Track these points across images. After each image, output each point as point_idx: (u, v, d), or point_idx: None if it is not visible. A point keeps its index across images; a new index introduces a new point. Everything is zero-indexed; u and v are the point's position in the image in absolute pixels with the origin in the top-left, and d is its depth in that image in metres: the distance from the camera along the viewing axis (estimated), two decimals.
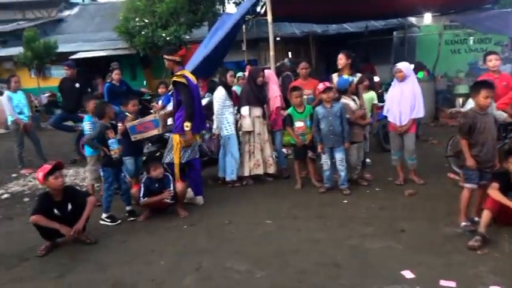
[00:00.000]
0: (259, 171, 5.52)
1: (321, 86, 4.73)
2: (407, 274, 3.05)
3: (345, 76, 5.02)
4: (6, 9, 17.91)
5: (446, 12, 9.63)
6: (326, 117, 4.70)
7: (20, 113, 6.91)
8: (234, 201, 5.01)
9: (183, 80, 4.56)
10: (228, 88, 5.45)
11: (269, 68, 6.91)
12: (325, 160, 4.94)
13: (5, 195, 5.84)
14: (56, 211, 3.91)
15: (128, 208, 4.75)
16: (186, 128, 4.54)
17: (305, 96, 5.37)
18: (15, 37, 15.29)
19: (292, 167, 5.52)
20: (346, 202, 4.70)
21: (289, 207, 4.65)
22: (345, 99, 4.88)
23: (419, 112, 4.93)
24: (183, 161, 4.71)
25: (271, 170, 5.56)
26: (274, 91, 5.68)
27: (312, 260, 3.41)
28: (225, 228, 4.22)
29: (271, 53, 7.22)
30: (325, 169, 4.97)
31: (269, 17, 6.89)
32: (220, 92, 5.32)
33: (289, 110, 4.98)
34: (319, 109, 4.77)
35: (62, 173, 3.97)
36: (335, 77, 5.27)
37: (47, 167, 3.88)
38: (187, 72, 4.80)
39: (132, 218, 4.64)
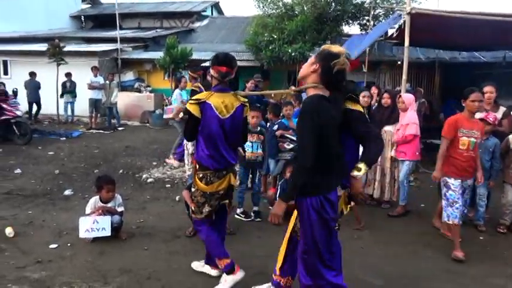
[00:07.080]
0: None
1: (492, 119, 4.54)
2: None
3: None
4: (149, 18, 20.39)
5: None
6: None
7: None
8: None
9: (197, 88, 5.95)
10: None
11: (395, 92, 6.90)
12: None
13: (150, 180, 6.68)
14: None
15: (255, 208, 5.13)
16: None
17: None
18: (154, 43, 17.32)
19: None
20: (482, 239, 4.48)
21: (419, 234, 4.60)
22: None
23: None
24: None
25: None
26: (409, 118, 5.51)
27: None
28: (354, 243, 4.34)
29: (404, 77, 7.23)
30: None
31: (406, 41, 6.90)
32: None
33: None
34: None
35: None
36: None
37: None
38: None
39: (258, 219, 5.00)
